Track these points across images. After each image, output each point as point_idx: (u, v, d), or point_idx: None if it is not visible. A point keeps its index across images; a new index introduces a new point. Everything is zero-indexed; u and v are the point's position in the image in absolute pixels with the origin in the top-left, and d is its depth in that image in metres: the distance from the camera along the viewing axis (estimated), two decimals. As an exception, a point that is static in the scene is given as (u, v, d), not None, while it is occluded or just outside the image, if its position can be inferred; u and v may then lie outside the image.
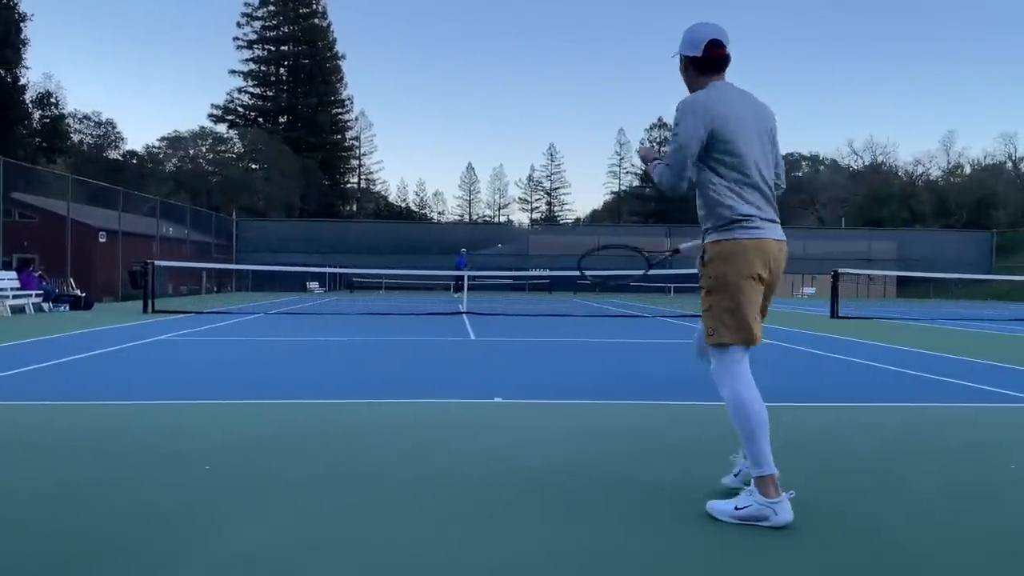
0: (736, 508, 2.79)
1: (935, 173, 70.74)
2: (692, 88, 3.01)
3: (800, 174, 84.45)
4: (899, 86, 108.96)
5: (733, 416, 2.88)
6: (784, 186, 3.14)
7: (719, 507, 2.85)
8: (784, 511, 2.72)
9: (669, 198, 77.58)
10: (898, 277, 39.76)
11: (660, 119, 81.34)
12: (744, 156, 2.87)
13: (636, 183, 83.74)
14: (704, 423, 4.72)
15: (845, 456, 3.91)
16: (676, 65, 3.08)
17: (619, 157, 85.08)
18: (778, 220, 2.97)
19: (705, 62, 2.96)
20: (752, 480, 2.81)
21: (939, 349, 9.90)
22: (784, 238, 2.98)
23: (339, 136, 71.06)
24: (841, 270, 18.25)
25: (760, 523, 2.73)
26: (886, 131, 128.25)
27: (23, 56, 33.41)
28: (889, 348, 9.98)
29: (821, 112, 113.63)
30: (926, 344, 10.67)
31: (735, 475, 3.21)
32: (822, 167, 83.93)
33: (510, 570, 2.36)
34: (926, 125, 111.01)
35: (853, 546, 2.59)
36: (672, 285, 37.47)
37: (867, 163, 74.62)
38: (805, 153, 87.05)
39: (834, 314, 17.06)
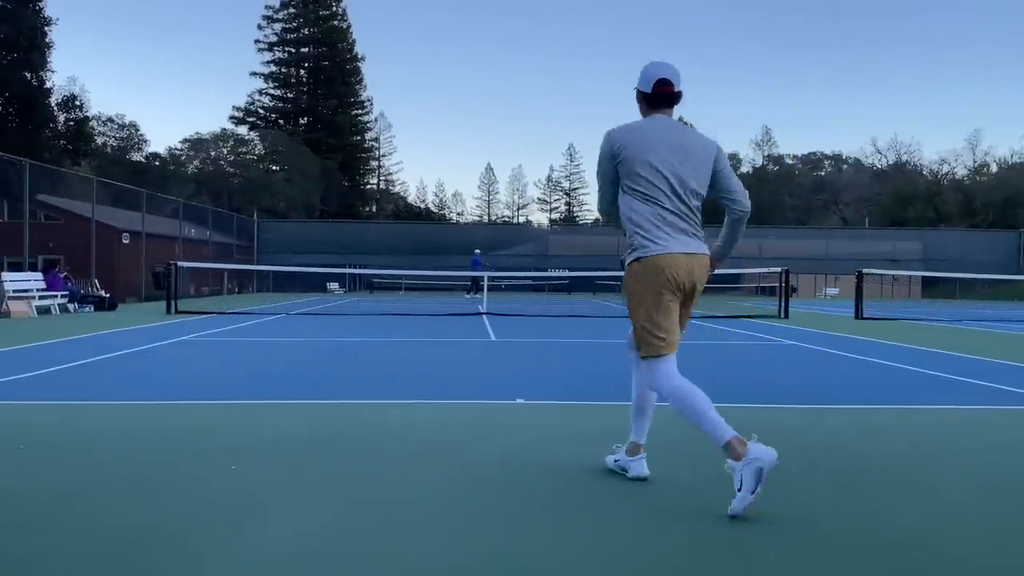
0: (740, 491, 2.82)
1: (961, 172, 69.78)
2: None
3: (823, 173, 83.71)
4: (924, 84, 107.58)
5: (677, 408, 3.06)
6: (743, 209, 3.27)
7: (736, 505, 2.84)
8: (762, 452, 2.80)
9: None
10: (923, 278, 39.28)
11: (680, 118, 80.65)
12: (654, 183, 3.13)
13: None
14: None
15: (866, 457, 3.85)
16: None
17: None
18: (695, 236, 3.17)
19: (654, 97, 3.28)
20: (725, 453, 2.90)
21: (962, 350, 9.75)
22: (699, 251, 3.15)
23: (359, 137, 71.37)
24: (865, 270, 18.04)
25: (762, 474, 2.79)
26: (910, 129, 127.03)
27: (48, 60, 33.89)
28: (913, 349, 9.85)
29: (843, 111, 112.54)
30: (949, 345, 10.52)
31: (615, 460, 3.51)
32: (845, 166, 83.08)
33: (532, 571, 2.33)
34: (951, 123, 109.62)
35: (872, 545, 2.54)
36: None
37: (891, 162, 73.78)
38: (827, 152, 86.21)
39: (858, 315, 16.88)
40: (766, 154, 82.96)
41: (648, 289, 3.09)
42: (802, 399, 5.75)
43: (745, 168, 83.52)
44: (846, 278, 35.18)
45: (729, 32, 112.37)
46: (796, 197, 78.47)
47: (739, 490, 2.81)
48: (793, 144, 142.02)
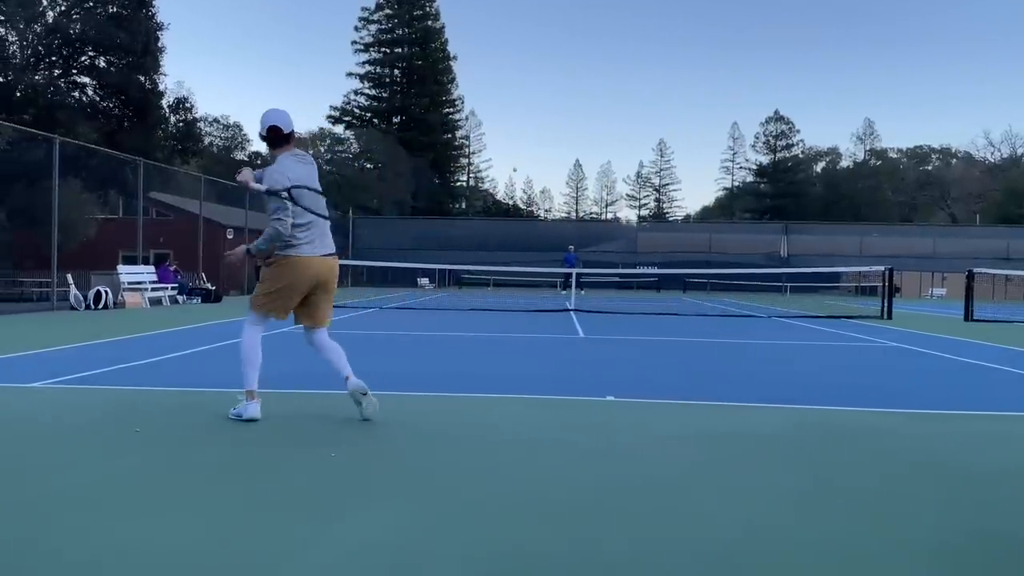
0: (234, 412, 4.41)
1: (1084, 166, 65.17)
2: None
3: (930, 168, 79.63)
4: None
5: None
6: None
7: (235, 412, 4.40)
8: (254, 409, 4.36)
9: (785, 195, 74.98)
10: (1040, 278, 36.86)
11: (776, 112, 78.49)
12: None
13: (750, 179, 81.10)
14: (831, 427, 4.52)
15: (974, 465, 3.64)
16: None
17: (732, 152, 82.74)
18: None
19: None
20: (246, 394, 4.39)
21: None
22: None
23: (449, 135, 72.33)
24: (976, 270, 17.07)
25: (242, 417, 4.33)
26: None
27: (161, 64, 35.67)
28: (1032, 354, 9.25)
29: (953, 102, 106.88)
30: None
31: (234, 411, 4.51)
32: (954, 160, 78.82)
33: (629, 569, 2.32)
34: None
35: (979, 556, 2.40)
36: (788, 285, 36.16)
37: (1005, 156, 69.57)
38: (935, 145, 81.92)
39: (968, 317, 16.01)
40: (868, 148, 79.52)
41: None
42: (907, 404, 5.50)
43: (845, 163, 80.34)
44: (954, 278, 33.39)
45: (829, 20, 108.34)
46: (900, 193, 74.96)
47: (234, 412, 4.40)
48: (898, 137, 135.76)
